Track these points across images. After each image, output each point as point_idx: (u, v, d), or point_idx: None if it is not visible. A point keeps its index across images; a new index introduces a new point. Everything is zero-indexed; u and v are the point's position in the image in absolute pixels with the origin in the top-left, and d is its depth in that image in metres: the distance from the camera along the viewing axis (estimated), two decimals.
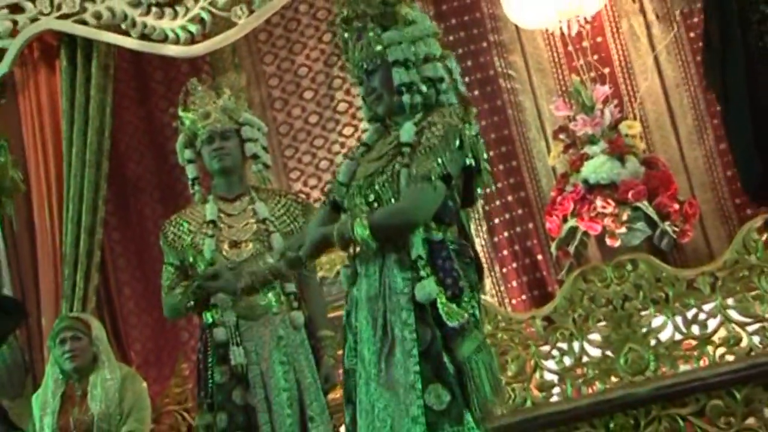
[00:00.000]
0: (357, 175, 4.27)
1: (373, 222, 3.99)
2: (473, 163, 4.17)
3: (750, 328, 6.10)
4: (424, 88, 4.20)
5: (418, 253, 4.04)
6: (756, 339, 6.07)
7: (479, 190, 4.32)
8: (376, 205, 4.12)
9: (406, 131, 4.13)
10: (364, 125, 7.09)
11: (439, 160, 4.04)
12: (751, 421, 5.90)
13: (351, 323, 4.22)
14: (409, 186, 4.03)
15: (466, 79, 7.48)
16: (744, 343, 6.09)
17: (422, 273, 4.01)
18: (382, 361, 4.01)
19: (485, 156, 4.25)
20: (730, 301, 6.18)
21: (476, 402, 3.99)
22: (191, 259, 5.47)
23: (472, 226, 7.39)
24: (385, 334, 4.03)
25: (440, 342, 3.98)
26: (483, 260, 7.22)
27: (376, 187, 4.14)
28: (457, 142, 4.09)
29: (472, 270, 4.19)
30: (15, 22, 7.17)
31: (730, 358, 6.10)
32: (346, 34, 4.34)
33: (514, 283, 7.63)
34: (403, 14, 4.27)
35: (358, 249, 4.21)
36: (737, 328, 6.12)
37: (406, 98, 4.17)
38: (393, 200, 4.10)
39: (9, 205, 4.58)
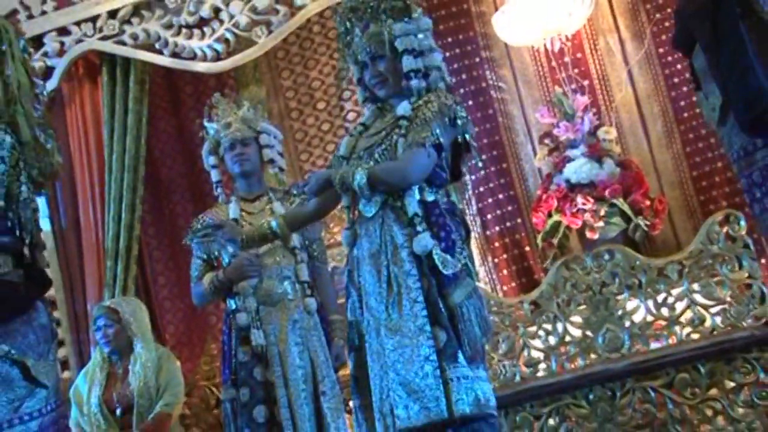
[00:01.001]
0: (357, 149, 4.32)
1: (372, 173, 4.05)
2: (463, 140, 4.25)
3: (713, 310, 6.12)
4: (429, 74, 4.28)
5: (415, 211, 4.11)
6: (718, 319, 6.09)
7: (475, 162, 4.38)
8: None
9: (403, 107, 4.23)
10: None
11: (433, 131, 4.11)
12: (713, 391, 5.91)
13: (354, 280, 4.27)
14: (405, 151, 4.09)
15: (461, 90, 7.57)
16: (707, 324, 6.11)
17: (419, 228, 4.07)
18: (389, 308, 4.05)
19: (473, 135, 4.33)
20: (695, 286, 6.21)
21: (467, 342, 4.02)
22: (216, 253, 5.48)
23: (468, 220, 7.49)
24: (389, 284, 4.08)
25: (436, 289, 4.04)
26: (476, 252, 7.35)
27: (376, 155, 4.19)
28: (450, 119, 4.16)
29: (462, 227, 4.24)
30: (62, 43, 7.18)
31: (695, 336, 6.11)
32: (348, 23, 4.37)
33: (505, 272, 7.62)
34: (413, 9, 4.34)
35: (357, 214, 4.29)
36: (702, 310, 6.13)
37: (415, 83, 4.24)
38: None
39: (48, 188, 4.58)
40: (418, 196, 4.14)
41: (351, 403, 4.35)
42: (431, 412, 3.91)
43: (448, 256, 4.07)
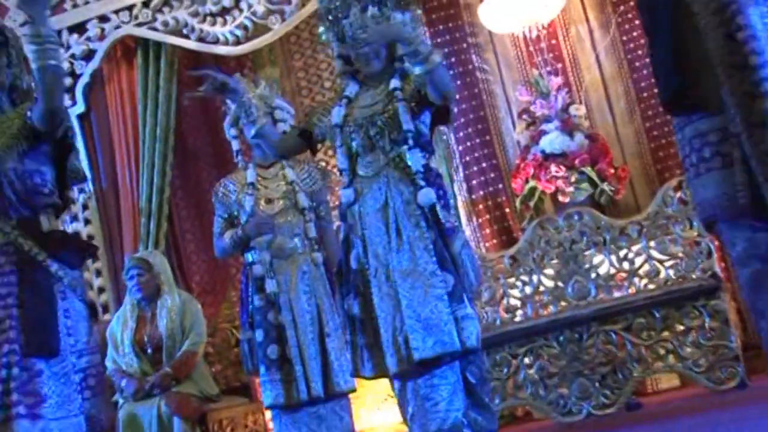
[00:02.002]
0: (351, 118, 4.26)
1: (441, 65, 4.00)
2: (444, 108, 4.25)
3: (667, 264, 6.12)
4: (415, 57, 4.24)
5: (418, 168, 4.11)
6: (671, 272, 6.09)
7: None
8: (377, 137, 4.18)
9: (395, 82, 4.21)
10: None
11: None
12: (666, 334, 5.92)
13: (358, 233, 4.20)
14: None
15: (450, 72, 7.60)
16: (662, 275, 6.11)
17: (422, 184, 4.08)
18: (400, 256, 4.05)
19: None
20: (652, 244, 6.20)
21: (466, 285, 4.07)
22: (235, 212, 5.48)
23: (455, 187, 7.53)
24: (399, 235, 4.07)
25: (440, 240, 4.05)
26: (463, 213, 7.39)
27: (378, 123, 4.17)
28: None
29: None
30: (103, 29, 7.20)
31: (651, 286, 6.12)
32: (344, 2, 4.26)
33: (488, 230, 7.65)
34: (411, 3, 4.34)
35: (355, 176, 4.25)
36: (657, 264, 6.14)
37: (407, 64, 4.18)
38: (395, 132, 4.16)
39: None
40: (420, 160, 4.16)
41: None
42: (446, 344, 3.94)
43: (445, 212, 4.14)
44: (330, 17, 4.32)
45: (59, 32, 7.24)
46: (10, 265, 3.69)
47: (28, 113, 3.76)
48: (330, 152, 8.00)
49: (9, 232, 3.71)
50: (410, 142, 4.16)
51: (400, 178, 4.15)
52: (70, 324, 3.72)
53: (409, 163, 4.14)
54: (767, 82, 2.43)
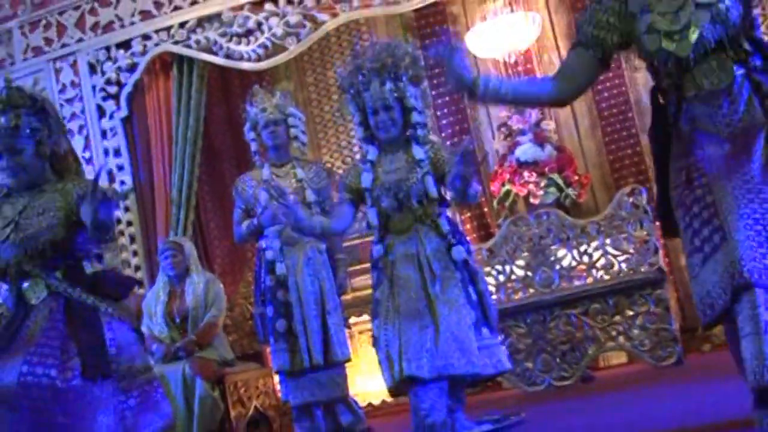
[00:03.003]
0: (377, 182, 4.22)
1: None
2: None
3: (620, 258, 6.17)
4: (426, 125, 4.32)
5: (447, 229, 4.14)
6: (624, 265, 6.15)
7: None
8: (405, 199, 4.14)
9: (418, 152, 4.20)
10: None
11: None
12: (617, 318, 5.97)
13: (388, 276, 4.17)
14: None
15: (441, 89, 7.62)
16: (615, 268, 6.16)
17: (452, 240, 4.11)
18: (435, 289, 4.04)
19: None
20: (608, 241, 6.24)
21: (490, 316, 4.12)
22: (252, 205, 5.48)
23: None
24: (432, 274, 4.06)
25: (467, 278, 4.10)
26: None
27: (404, 188, 4.13)
28: None
29: None
30: (145, 46, 7.17)
31: (606, 277, 6.16)
32: (366, 76, 4.22)
33: (468, 226, 7.68)
34: (422, 79, 4.41)
35: (387, 233, 4.24)
36: (612, 258, 6.18)
37: (420, 132, 4.23)
38: (421, 195, 4.13)
39: None
40: (446, 216, 4.23)
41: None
42: (476, 366, 3.97)
43: (469, 256, 4.16)
44: (352, 91, 4.28)
45: (108, 48, 7.25)
46: (60, 306, 3.58)
47: (78, 208, 3.60)
48: (336, 155, 8.05)
49: (58, 285, 3.61)
50: (437, 209, 4.18)
51: (428, 230, 4.15)
52: (113, 352, 3.60)
53: (441, 226, 4.14)
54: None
